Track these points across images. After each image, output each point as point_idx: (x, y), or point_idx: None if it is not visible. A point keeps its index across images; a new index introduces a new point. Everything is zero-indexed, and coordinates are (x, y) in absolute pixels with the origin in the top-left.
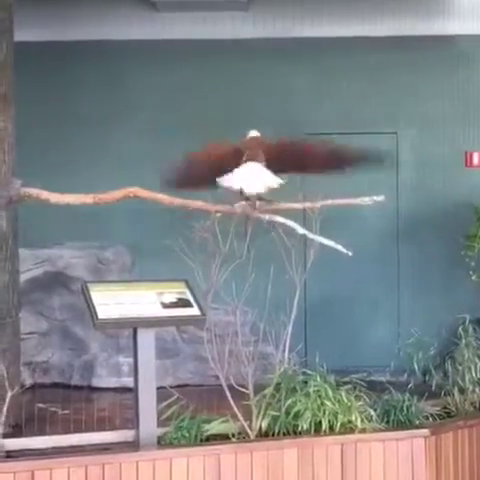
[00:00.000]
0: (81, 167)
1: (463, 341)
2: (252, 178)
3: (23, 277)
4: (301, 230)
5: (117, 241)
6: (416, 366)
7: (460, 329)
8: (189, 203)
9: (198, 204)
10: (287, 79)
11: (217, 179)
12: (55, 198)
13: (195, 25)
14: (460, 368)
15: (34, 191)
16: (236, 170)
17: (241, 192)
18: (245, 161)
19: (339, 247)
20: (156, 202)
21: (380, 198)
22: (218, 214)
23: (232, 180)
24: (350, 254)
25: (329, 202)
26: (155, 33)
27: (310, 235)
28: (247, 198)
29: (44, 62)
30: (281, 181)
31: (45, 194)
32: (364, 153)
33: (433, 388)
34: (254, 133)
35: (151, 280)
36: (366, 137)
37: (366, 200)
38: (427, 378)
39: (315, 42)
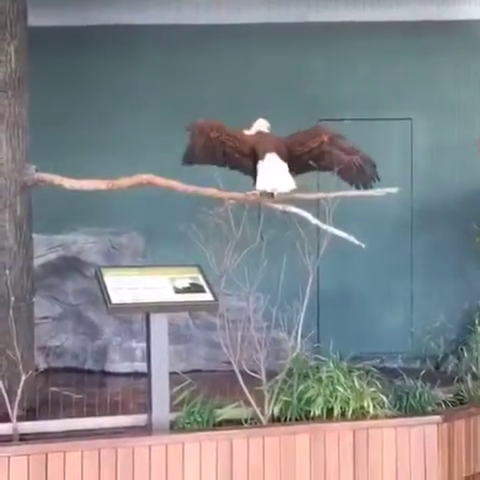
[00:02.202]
0: (95, 152)
1: (478, 328)
2: (279, 176)
3: (37, 262)
4: (314, 220)
5: (131, 226)
6: (430, 353)
7: (474, 316)
8: (203, 190)
9: (212, 191)
10: (301, 64)
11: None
12: (69, 183)
13: (210, 10)
14: (474, 355)
15: (48, 176)
16: (262, 169)
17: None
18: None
19: (352, 239)
20: (170, 189)
21: (393, 190)
22: (231, 201)
23: (263, 182)
24: (363, 246)
25: (342, 194)
26: (169, 18)
27: (323, 226)
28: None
29: (57, 47)
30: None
31: (59, 179)
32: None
33: (446, 375)
34: (262, 123)
35: (164, 265)
36: (380, 123)
37: (379, 192)
38: (440, 365)
39: (329, 27)
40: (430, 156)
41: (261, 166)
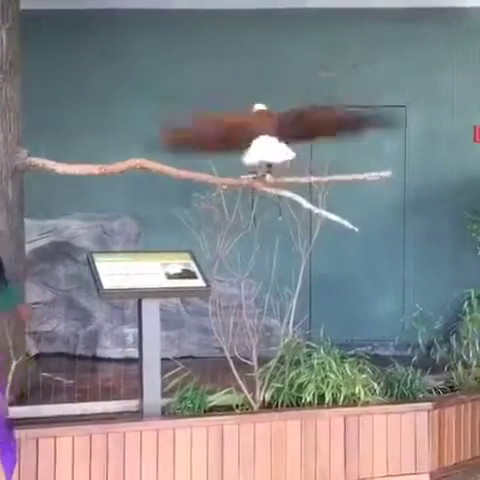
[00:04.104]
0: (88, 137)
1: (468, 316)
2: (271, 149)
3: (29, 247)
4: (307, 205)
5: (123, 212)
6: (420, 340)
7: (465, 304)
8: (195, 176)
9: (204, 177)
10: (297, 51)
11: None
12: (61, 168)
13: None
14: (464, 343)
15: (40, 161)
16: (253, 144)
17: (261, 165)
18: (257, 135)
19: (345, 223)
20: (162, 174)
21: (387, 174)
22: (224, 186)
23: (253, 155)
24: (356, 230)
25: (335, 178)
26: (165, 2)
27: (316, 210)
28: (254, 172)
29: (51, 31)
30: (293, 154)
31: (51, 164)
32: (375, 118)
33: (437, 362)
34: (260, 106)
35: (156, 251)
36: (375, 110)
37: (373, 176)
38: (431, 352)
39: (325, 13)
40: (424, 144)
41: (253, 143)
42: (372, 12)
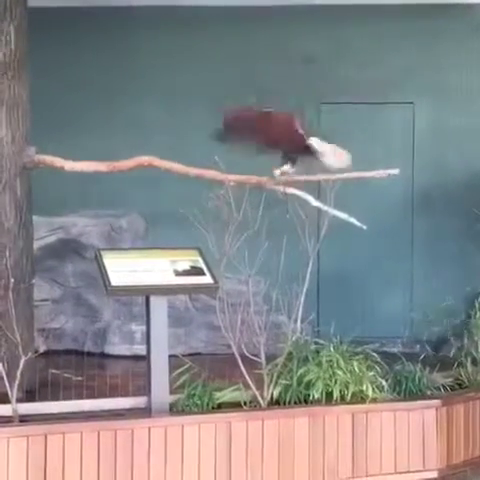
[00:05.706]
0: (96, 134)
1: (478, 313)
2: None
3: (37, 244)
4: (315, 202)
5: (131, 209)
6: (429, 337)
7: (475, 301)
8: (204, 173)
9: (212, 174)
10: (303, 47)
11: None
12: (69, 165)
13: None
14: (473, 340)
15: (48, 158)
16: (324, 146)
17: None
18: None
19: (353, 220)
20: (171, 171)
21: (395, 171)
22: (231, 183)
23: (335, 160)
24: (364, 228)
25: (344, 175)
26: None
27: (324, 207)
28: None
29: (59, 28)
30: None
31: (59, 161)
32: None
33: (446, 359)
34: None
35: (164, 248)
36: (383, 107)
37: (381, 173)
38: (439, 349)
39: (332, 10)
40: (432, 140)
41: (316, 143)
42: (379, 8)
